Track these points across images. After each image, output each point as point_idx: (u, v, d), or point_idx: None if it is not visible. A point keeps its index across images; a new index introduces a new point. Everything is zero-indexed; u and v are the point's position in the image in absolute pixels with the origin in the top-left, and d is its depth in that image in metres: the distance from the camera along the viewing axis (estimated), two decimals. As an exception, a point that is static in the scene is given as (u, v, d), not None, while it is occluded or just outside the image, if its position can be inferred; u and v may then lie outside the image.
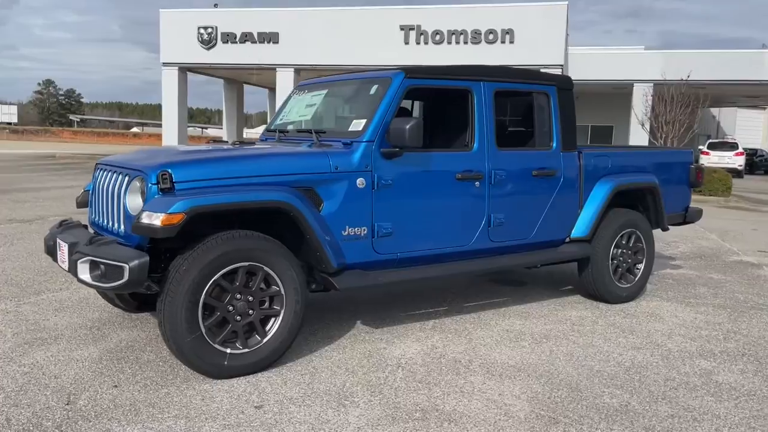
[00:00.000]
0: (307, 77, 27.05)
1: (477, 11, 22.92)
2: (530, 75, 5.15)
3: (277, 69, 23.66)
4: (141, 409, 3.20)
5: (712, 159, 27.13)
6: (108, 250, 3.49)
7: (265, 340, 3.73)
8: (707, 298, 5.90)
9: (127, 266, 3.32)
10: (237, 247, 3.55)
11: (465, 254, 4.71)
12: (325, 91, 5.04)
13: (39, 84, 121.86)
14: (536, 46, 22.30)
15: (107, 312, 4.78)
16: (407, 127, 4.06)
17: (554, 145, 5.12)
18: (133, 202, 3.61)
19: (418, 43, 23.19)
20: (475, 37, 22.82)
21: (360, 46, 23.20)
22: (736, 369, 4.09)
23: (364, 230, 4.17)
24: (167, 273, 3.48)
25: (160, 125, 27.82)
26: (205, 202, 3.45)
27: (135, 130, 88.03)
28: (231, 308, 3.61)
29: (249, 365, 3.67)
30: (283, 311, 3.77)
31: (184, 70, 25.34)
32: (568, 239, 5.30)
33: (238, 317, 3.63)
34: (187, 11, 24.80)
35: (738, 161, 28.09)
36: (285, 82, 23.80)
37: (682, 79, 19.06)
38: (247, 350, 3.67)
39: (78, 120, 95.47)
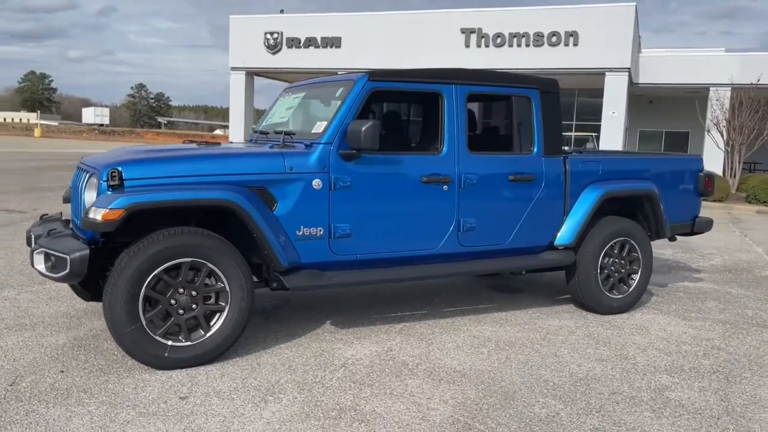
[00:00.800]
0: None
1: (540, 13, 22.53)
2: (509, 78, 5.06)
3: (339, 73, 23.98)
4: (73, 394, 3.39)
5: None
6: (60, 242, 3.72)
7: (208, 334, 3.85)
8: (711, 313, 5.61)
9: (68, 258, 3.53)
10: (178, 243, 3.70)
11: (433, 258, 4.69)
12: (303, 94, 5.14)
13: (132, 88, 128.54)
14: (601, 48, 21.69)
15: (94, 303, 5.05)
16: (362, 129, 4.10)
17: (535, 149, 5.02)
18: (89, 198, 3.82)
19: (478, 46, 23.02)
20: (537, 39, 22.41)
21: (420, 50, 23.25)
22: (697, 386, 3.89)
23: (320, 231, 4.23)
24: (113, 266, 3.67)
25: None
26: (145, 199, 3.61)
27: (218, 132, 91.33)
28: (174, 302, 3.76)
29: (191, 358, 3.80)
30: (228, 307, 3.89)
31: (251, 74, 26.14)
32: (552, 246, 5.17)
33: (181, 311, 3.78)
34: (255, 17, 25.58)
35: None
36: (346, 85, 24.08)
37: (752, 83, 18.05)
38: (189, 343, 3.80)
39: (165, 122, 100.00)
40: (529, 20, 22.51)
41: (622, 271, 5.44)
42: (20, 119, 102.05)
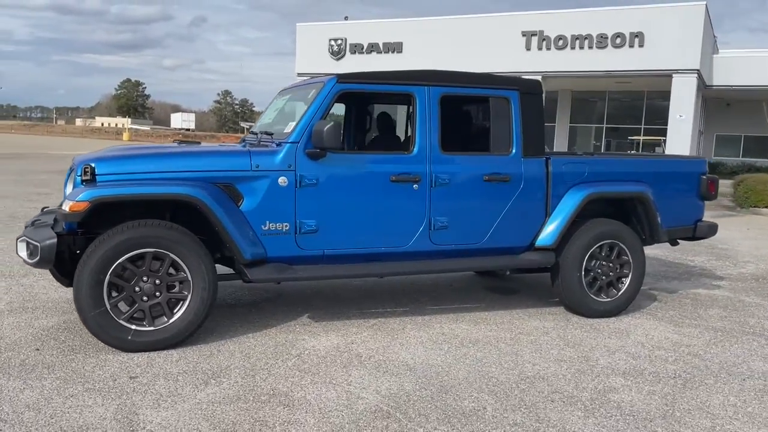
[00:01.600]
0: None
1: (603, 14, 21.99)
2: (486, 80, 5.10)
3: (400, 78, 24.19)
4: (36, 369, 3.72)
5: None
6: (37, 232, 4.08)
7: (171, 321, 4.12)
8: (709, 320, 5.43)
9: (39, 245, 3.88)
10: (141, 234, 3.98)
11: (404, 255, 4.80)
12: (289, 96, 5.36)
13: (218, 94, 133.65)
14: (668, 49, 20.95)
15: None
16: (324, 129, 4.28)
17: (514, 150, 5.03)
18: (68, 191, 4.18)
19: (539, 48, 22.70)
20: (601, 41, 21.87)
21: (480, 53, 23.17)
22: (647, 390, 3.83)
23: (286, 226, 4.43)
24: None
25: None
26: (108, 193, 3.92)
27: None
28: (138, 289, 4.05)
29: (154, 342, 4.07)
30: (190, 296, 4.14)
31: (316, 79, 26.73)
32: (533, 247, 5.16)
33: (145, 298, 4.06)
34: (320, 24, 26.20)
35: None
36: (407, 90, 24.31)
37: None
38: (152, 328, 4.08)
39: (247, 127, 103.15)
40: (593, 22, 22.01)
41: (611, 274, 5.35)
42: (116, 124, 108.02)
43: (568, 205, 5.14)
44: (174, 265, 4.11)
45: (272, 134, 4.78)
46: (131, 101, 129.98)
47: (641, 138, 27.55)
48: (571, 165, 5.23)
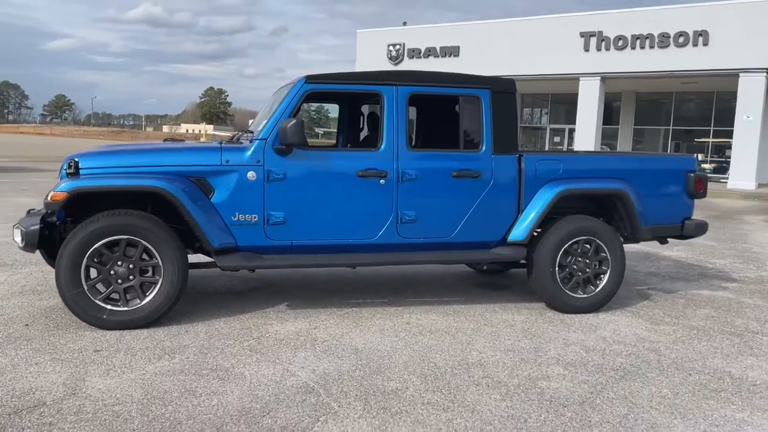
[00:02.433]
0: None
1: (665, 13, 21.38)
2: (456, 79, 5.24)
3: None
4: (17, 342, 4.17)
5: None
6: (28, 219, 4.55)
7: (143, 303, 4.50)
8: (693, 320, 5.37)
9: (24, 231, 4.35)
10: (115, 222, 4.38)
11: (372, 247, 5.02)
12: (275, 95, 5.68)
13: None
14: (734, 48, 20.18)
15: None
16: (288, 126, 4.58)
17: (484, 147, 5.16)
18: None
19: (598, 49, 22.31)
20: (663, 40, 21.29)
21: (538, 55, 22.98)
22: (580, 380, 3.90)
23: (255, 217, 4.74)
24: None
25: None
26: (85, 185, 4.35)
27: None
28: (113, 272, 4.45)
29: (127, 321, 4.46)
30: (161, 280, 4.51)
31: (375, 84, 27.15)
32: (506, 242, 5.27)
33: (120, 281, 4.46)
34: (379, 30, 26.65)
35: None
36: (463, 93, 24.38)
37: None
38: (126, 309, 4.47)
39: (321, 132, 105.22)
40: (654, 20, 21.45)
41: (587, 270, 5.38)
42: (199, 130, 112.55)
43: (540, 201, 5.22)
44: (147, 251, 4.49)
45: (252, 132, 5.11)
46: (214, 108, 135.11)
47: (710, 140, 26.48)
48: (545, 162, 5.30)
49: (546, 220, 5.33)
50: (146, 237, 4.45)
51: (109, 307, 4.45)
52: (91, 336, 4.34)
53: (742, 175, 20.79)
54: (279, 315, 5.03)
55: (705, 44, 20.67)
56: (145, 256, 4.51)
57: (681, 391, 3.80)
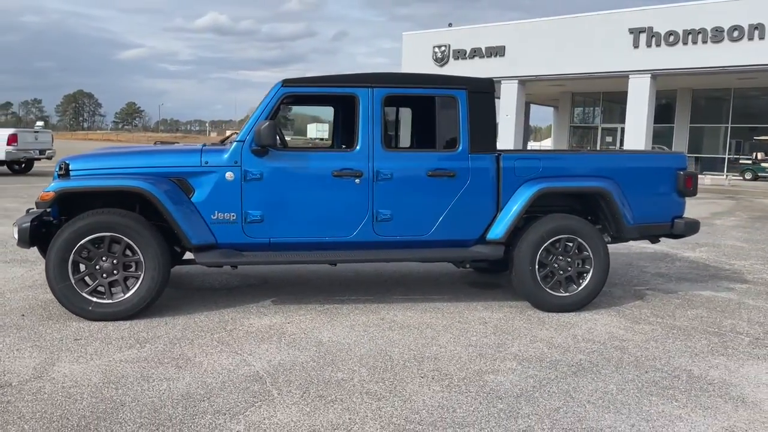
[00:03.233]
0: (532, 89, 26.85)
1: (718, 6, 20.62)
2: (433, 80, 5.33)
3: (502, 81, 24.16)
4: (8, 330, 4.52)
5: None
6: (24, 218, 4.92)
7: (126, 296, 4.79)
8: (677, 320, 5.28)
9: (17, 228, 4.71)
10: (98, 221, 4.69)
11: (349, 245, 5.17)
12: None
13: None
14: (792, 41, 19.27)
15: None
16: (261, 128, 4.80)
17: (460, 147, 5.23)
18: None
19: (648, 46, 21.72)
20: (716, 35, 20.55)
21: (585, 53, 22.59)
22: (528, 375, 3.94)
23: (233, 216, 4.97)
24: (56, 236, 4.78)
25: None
26: (71, 185, 4.67)
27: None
28: (98, 267, 4.76)
29: (111, 313, 4.76)
30: (142, 275, 4.79)
31: (422, 86, 27.24)
32: (484, 240, 5.32)
33: (104, 275, 4.77)
34: (424, 32, 26.74)
35: None
36: (509, 93, 24.23)
37: None
38: (110, 301, 4.77)
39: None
40: (706, 15, 20.73)
41: (569, 269, 5.37)
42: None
43: (518, 199, 5.25)
44: (130, 248, 4.78)
45: (237, 133, 5.35)
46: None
47: (763, 139, 25.35)
48: (524, 161, 5.33)
49: (530, 219, 5.36)
50: (128, 234, 4.74)
51: (94, 299, 4.76)
52: (77, 326, 4.65)
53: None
54: (260, 310, 5.24)
55: (761, 38, 19.85)
56: (128, 252, 4.80)
57: (628, 387, 3.79)
